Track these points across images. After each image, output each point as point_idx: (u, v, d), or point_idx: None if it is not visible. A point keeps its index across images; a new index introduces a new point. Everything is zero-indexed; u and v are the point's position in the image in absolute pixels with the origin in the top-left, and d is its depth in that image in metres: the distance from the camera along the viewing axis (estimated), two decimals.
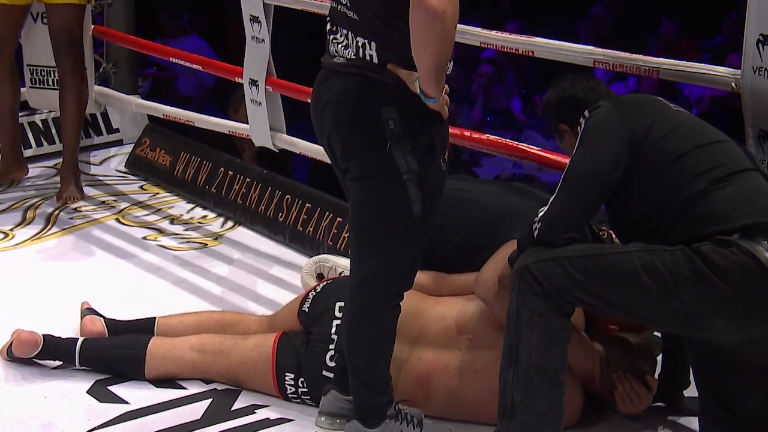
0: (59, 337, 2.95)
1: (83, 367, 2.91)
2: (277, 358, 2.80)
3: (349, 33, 2.41)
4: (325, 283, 2.97)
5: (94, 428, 2.68)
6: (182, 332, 3.02)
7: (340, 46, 2.44)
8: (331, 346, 2.74)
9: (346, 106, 2.42)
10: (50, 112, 4.71)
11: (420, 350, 2.75)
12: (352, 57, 2.41)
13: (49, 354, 2.93)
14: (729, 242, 2.28)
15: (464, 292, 2.83)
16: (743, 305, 2.29)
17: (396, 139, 2.36)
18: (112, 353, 2.96)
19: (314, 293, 2.90)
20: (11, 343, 2.94)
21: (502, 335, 2.50)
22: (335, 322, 2.76)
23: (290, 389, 2.79)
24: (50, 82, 4.49)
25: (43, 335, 2.93)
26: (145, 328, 3.06)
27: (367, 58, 2.39)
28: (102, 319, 3.09)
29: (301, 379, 2.78)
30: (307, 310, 2.86)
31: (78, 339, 2.97)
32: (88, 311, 3.16)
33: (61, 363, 2.93)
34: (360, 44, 2.39)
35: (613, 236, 2.70)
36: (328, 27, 2.49)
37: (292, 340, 2.81)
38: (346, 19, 2.42)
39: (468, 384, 2.70)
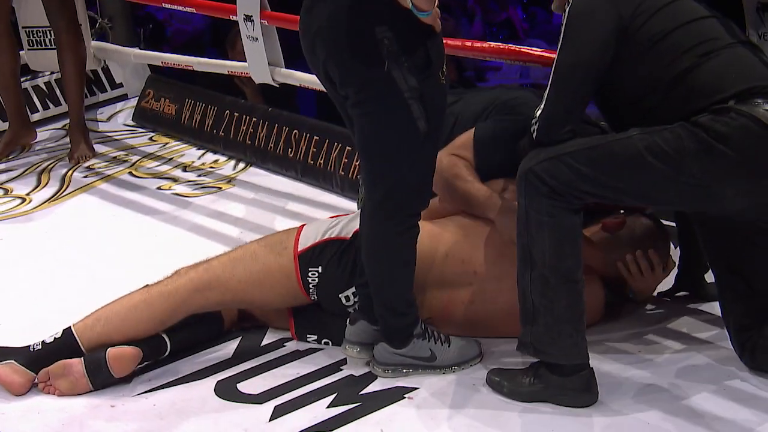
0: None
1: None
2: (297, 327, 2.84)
3: None
4: (320, 269, 2.75)
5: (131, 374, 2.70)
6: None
7: None
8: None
9: (338, 31, 2.38)
10: (52, 73, 4.72)
11: (433, 290, 2.75)
12: None
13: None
14: (727, 109, 2.29)
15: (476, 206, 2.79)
16: (750, 167, 2.30)
17: (393, 58, 2.33)
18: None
19: (313, 285, 2.75)
20: (105, 363, 2.62)
21: (506, 263, 2.55)
22: (349, 309, 2.72)
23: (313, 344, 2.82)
24: (47, 43, 4.49)
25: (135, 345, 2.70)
26: (66, 344, 2.68)
27: None
28: (14, 362, 2.66)
29: (325, 340, 2.80)
30: (316, 299, 2.79)
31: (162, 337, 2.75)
32: None
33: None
34: None
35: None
36: None
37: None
38: None
39: (483, 311, 2.73)
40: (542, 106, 2.42)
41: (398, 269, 2.55)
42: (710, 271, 2.71)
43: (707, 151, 2.28)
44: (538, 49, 3.25)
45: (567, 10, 2.44)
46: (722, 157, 2.28)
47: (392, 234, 2.51)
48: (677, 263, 2.89)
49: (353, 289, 2.69)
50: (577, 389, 2.43)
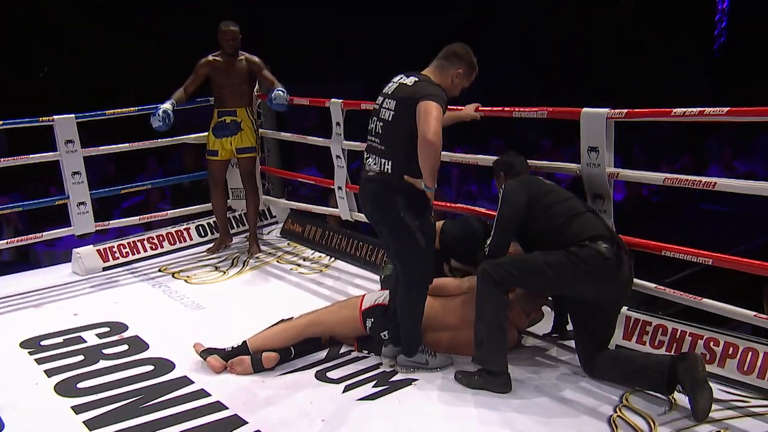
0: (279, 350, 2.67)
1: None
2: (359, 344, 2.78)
3: (377, 157, 2.42)
4: (372, 320, 2.68)
5: (273, 367, 2.66)
6: (276, 341, 2.67)
7: (372, 165, 2.45)
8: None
9: (377, 199, 2.43)
10: (242, 210, 4.69)
11: (429, 332, 2.65)
12: (378, 171, 2.42)
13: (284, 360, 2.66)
14: (584, 245, 2.32)
15: (452, 292, 2.74)
16: (594, 275, 2.31)
17: (405, 211, 2.37)
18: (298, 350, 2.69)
19: (369, 327, 2.68)
20: (261, 360, 2.60)
21: (467, 321, 2.51)
22: (384, 339, 2.66)
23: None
24: (241, 196, 4.47)
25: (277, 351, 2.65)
26: (243, 349, 2.64)
27: (386, 171, 2.39)
28: (217, 355, 2.65)
29: (372, 353, 2.73)
30: (369, 333, 2.71)
31: (290, 348, 2.67)
32: (206, 353, 2.66)
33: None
34: (383, 163, 2.40)
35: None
36: (365, 155, 2.50)
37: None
38: (377, 150, 2.43)
39: (456, 343, 2.66)
40: (490, 240, 2.44)
41: (415, 314, 2.51)
42: (570, 323, 2.68)
43: (574, 266, 2.30)
44: (484, 209, 3.26)
45: (502, 191, 2.49)
46: (581, 269, 2.30)
47: (414, 296, 2.49)
48: (553, 318, 2.84)
49: (387, 330, 2.66)
50: (500, 383, 2.41)
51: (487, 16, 10.04)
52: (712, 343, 2.46)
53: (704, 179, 2.43)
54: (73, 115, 3.91)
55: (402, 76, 2.44)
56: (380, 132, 2.42)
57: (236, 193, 4.54)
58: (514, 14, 10.24)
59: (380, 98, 2.47)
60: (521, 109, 2.88)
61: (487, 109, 2.99)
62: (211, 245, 4.38)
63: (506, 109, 2.94)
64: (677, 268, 3.53)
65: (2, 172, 3.97)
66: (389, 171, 2.37)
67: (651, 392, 2.35)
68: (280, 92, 3.92)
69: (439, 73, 2.43)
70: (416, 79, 2.39)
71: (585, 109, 2.66)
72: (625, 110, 2.58)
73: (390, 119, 2.39)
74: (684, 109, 2.40)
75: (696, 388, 2.19)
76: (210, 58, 3.98)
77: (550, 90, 8.76)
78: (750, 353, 2.39)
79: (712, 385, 2.23)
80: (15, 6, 8.47)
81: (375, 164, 2.41)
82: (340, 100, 3.80)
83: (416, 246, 2.40)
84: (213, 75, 4.00)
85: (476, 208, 3.27)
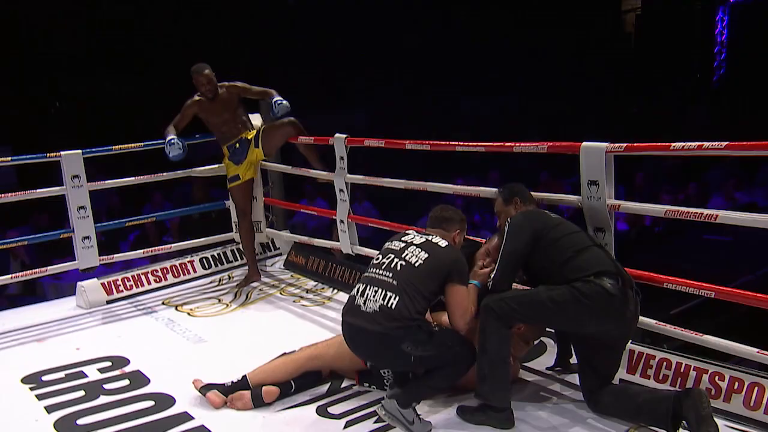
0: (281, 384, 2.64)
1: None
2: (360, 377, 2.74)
3: (383, 290, 2.37)
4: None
5: (273, 401, 2.62)
6: (278, 376, 2.64)
7: (371, 297, 2.37)
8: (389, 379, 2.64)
9: (384, 351, 2.38)
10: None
11: None
12: (377, 308, 2.34)
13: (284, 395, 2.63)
14: (589, 280, 2.28)
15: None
16: (598, 312, 2.27)
17: (415, 350, 2.33)
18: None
19: (368, 362, 2.65)
20: (261, 395, 2.58)
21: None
22: (384, 375, 2.64)
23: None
24: (261, 228, 4.44)
25: (277, 385, 2.63)
26: (243, 384, 2.61)
27: (390, 306, 2.33)
28: (217, 390, 2.62)
29: (373, 386, 2.70)
30: (369, 367, 2.67)
31: (291, 382, 2.65)
32: (206, 389, 2.63)
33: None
34: (389, 297, 2.34)
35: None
36: (361, 286, 2.42)
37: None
38: (384, 283, 2.37)
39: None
40: (494, 273, 2.42)
41: (448, 383, 2.45)
42: (574, 356, 2.65)
43: (578, 302, 2.27)
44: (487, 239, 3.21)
45: (507, 225, 2.48)
46: (585, 306, 2.26)
47: (458, 372, 2.41)
48: (556, 352, 2.80)
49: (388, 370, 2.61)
50: (503, 419, 2.36)
51: (480, 30, 9.99)
52: (717, 377, 2.42)
53: (705, 211, 2.41)
54: (80, 151, 3.94)
55: (414, 234, 2.49)
56: (398, 270, 2.37)
57: (257, 225, 4.46)
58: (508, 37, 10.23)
59: (400, 243, 2.48)
60: (521, 144, 2.88)
61: (487, 144, 3.00)
62: (215, 277, 4.37)
63: (507, 144, 2.94)
64: (684, 299, 3.48)
65: (12, 206, 4.00)
66: (392, 306, 2.30)
67: (655, 428, 2.30)
68: (283, 102, 3.88)
69: (445, 238, 2.50)
70: (446, 242, 2.46)
71: (584, 144, 2.66)
72: (624, 144, 2.57)
73: (416, 266, 2.38)
74: (682, 144, 2.39)
75: (701, 425, 2.14)
76: (196, 98, 3.97)
77: (546, 115, 8.82)
78: (756, 388, 2.34)
79: (717, 420, 2.19)
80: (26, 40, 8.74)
81: (376, 296, 2.34)
82: (344, 136, 3.83)
83: (446, 357, 2.35)
84: (204, 117, 3.99)
85: (479, 239, 3.23)
